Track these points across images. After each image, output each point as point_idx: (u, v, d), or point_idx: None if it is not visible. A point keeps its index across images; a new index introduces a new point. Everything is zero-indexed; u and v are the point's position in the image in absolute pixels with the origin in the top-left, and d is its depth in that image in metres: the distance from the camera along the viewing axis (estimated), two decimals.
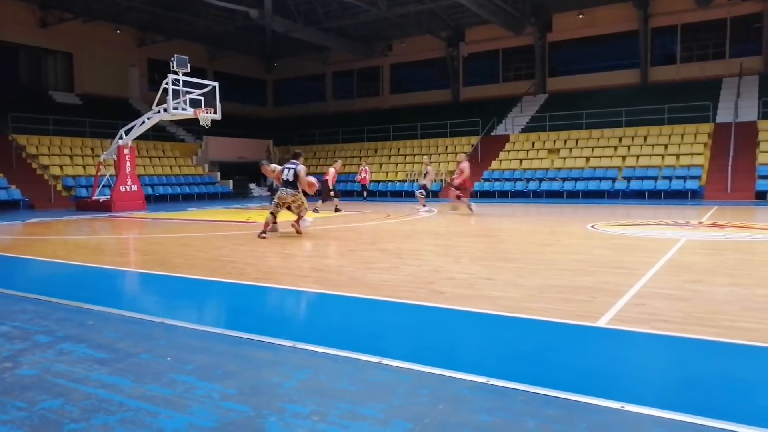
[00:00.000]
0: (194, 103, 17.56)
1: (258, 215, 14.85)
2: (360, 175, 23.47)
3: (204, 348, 3.54)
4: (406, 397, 2.71)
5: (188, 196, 24.90)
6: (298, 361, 3.25)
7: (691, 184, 20.29)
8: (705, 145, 22.10)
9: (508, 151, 25.89)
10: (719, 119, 22.90)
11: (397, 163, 28.14)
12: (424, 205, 16.74)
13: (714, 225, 10.79)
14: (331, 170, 17.03)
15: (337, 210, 16.32)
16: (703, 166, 21.12)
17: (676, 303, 4.47)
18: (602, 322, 3.94)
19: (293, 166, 9.89)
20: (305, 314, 4.81)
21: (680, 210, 15.30)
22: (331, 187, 16.69)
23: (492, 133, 27.72)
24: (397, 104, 34.01)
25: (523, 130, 27.09)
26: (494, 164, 25.24)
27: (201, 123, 17.70)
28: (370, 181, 24.35)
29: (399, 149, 29.28)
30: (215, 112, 17.89)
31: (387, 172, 27.53)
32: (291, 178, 9.81)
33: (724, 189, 19.56)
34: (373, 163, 27.24)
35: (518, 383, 2.82)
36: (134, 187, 18.82)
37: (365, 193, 23.46)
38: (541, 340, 3.72)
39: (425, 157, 18.42)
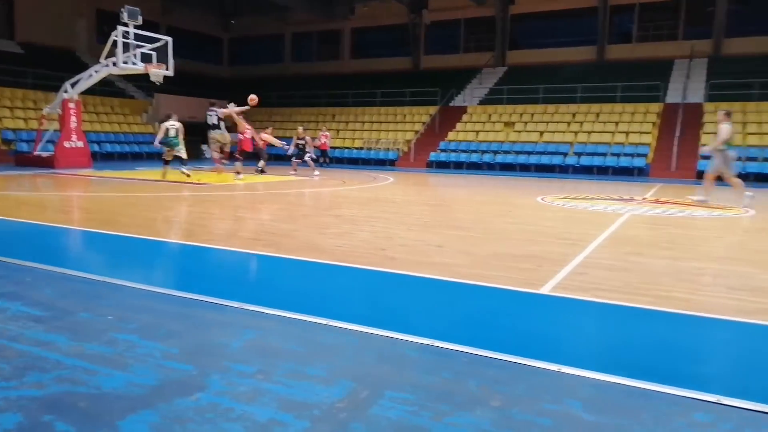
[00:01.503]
0: (145, 58, 16.81)
1: (209, 177, 14.51)
2: (320, 140, 23.14)
3: (148, 308, 3.47)
4: (352, 358, 2.74)
5: (137, 155, 24.09)
6: (246, 322, 3.23)
7: (638, 162, 20.97)
8: (654, 124, 22.80)
9: (465, 122, 26.05)
10: (668, 99, 23.62)
11: (354, 130, 27.92)
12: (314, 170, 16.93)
13: (657, 201, 11.22)
14: (263, 134, 16.82)
15: (260, 172, 16.28)
16: (650, 144, 21.82)
17: (615, 273, 4.65)
18: (545, 290, 4.06)
19: (215, 112, 14.04)
20: (255, 277, 4.77)
21: (626, 186, 15.83)
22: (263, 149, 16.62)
23: (450, 104, 27.78)
24: (358, 70, 33.55)
25: (481, 102, 27.26)
26: (451, 135, 25.38)
27: (152, 79, 16.99)
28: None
29: (357, 115, 29.03)
30: (168, 69, 17.17)
31: (344, 139, 27.29)
32: (216, 122, 13.97)
33: (669, 167, 20.31)
34: (330, 129, 26.92)
35: (462, 345, 2.89)
36: (79, 144, 18.01)
37: (326, 159, 23.20)
38: (486, 305, 3.82)
39: (300, 127, 18.48)
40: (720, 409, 2.28)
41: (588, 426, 2.11)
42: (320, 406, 2.20)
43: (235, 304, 3.52)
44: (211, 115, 14.29)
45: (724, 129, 10.60)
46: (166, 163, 14.19)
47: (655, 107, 23.40)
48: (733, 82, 22.13)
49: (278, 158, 22.99)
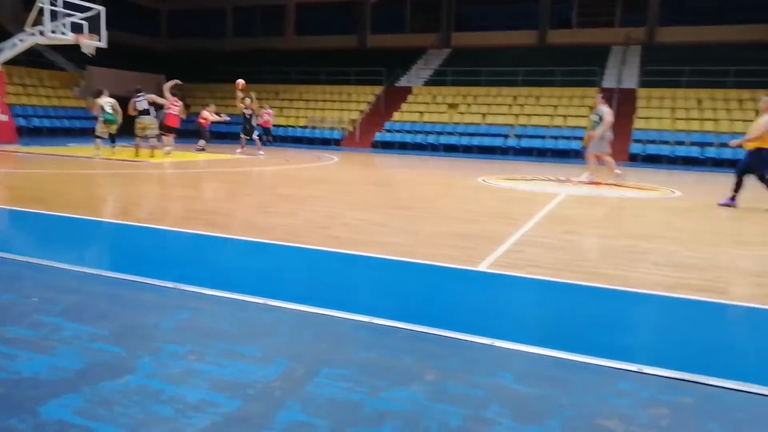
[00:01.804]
0: (76, 28, 15.86)
1: (146, 154, 13.98)
2: (263, 117, 22.63)
3: (76, 289, 3.32)
4: (288, 337, 2.72)
5: (69, 130, 22.85)
6: (179, 303, 3.15)
7: (575, 145, 21.65)
8: (590, 108, 23.54)
9: (411, 103, 26.10)
10: (605, 84, 24.41)
11: (299, 109, 27.46)
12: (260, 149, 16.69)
13: (591, 183, 11.64)
14: (204, 111, 16.28)
15: (200, 150, 16.05)
16: (587, 128, 22.55)
17: (549, 251, 4.81)
18: (482, 267, 4.16)
19: (144, 98, 13.67)
20: (191, 256, 4.64)
21: (564, 168, 16.35)
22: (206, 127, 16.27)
23: (396, 84, 27.74)
24: (302, 47, 32.89)
25: (426, 83, 27.35)
26: (396, 115, 25.39)
27: (83, 51, 16.07)
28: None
29: (301, 94, 28.54)
30: (100, 40, 16.28)
31: (288, 117, 26.82)
32: (146, 107, 13.60)
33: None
34: (273, 107, 26.36)
35: (401, 322, 2.92)
36: (3, 117, 16.90)
37: (269, 138, 22.71)
38: (426, 282, 3.87)
39: (247, 98, 17.95)
40: (641, 377, 2.41)
41: (519, 397, 2.19)
42: (254, 385, 2.17)
43: (170, 285, 3.42)
44: (140, 101, 13.80)
45: (607, 112, 11.08)
46: (103, 139, 13.73)
47: (592, 92, 24.14)
48: (665, 69, 23.11)
49: (223, 136, 22.39)
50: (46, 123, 22.31)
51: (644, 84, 23.61)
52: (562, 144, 21.75)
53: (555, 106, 23.84)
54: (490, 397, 2.17)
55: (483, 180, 11.31)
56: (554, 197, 8.68)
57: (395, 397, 2.13)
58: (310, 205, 7.12)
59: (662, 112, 22.24)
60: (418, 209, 7.13)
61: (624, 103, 22.78)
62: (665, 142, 20.66)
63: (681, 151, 20.16)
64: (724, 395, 2.26)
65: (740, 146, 8.39)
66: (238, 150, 16.62)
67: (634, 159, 20.29)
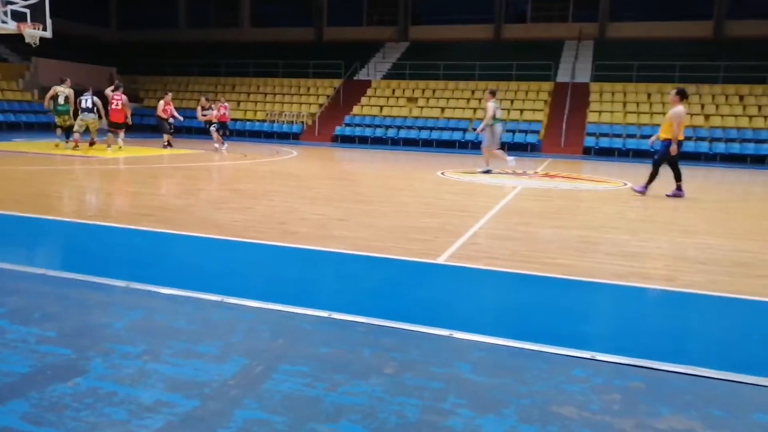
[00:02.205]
0: (18, 17, 15.16)
1: (96, 150, 13.53)
2: (219, 111, 22.16)
3: (21, 290, 3.18)
4: (246, 334, 2.68)
5: (14, 124, 21.92)
6: (132, 302, 3.06)
7: (531, 138, 22.07)
8: (545, 102, 24.04)
9: (370, 97, 26.06)
10: (559, 79, 24.97)
11: (256, 102, 27.06)
12: (223, 143, 16.42)
13: (547, 175, 11.91)
14: (161, 103, 15.83)
15: (167, 146, 15.63)
16: (542, 121, 23.03)
17: (506, 242, 4.90)
18: (441, 259, 4.20)
19: (90, 96, 13.64)
20: (144, 254, 4.51)
21: (519, 161, 16.61)
22: (166, 120, 15.82)
23: (355, 78, 27.64)
24: (258, 39, 32.38)
25: (385, 77, 27.37)
26: (356, 109, 25.32)
27: (27, 40, 15.40)
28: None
29: (259, 87, 28.11)
30: (45, 29, 15.62)
31: (245, 111, 26.40)
32: (90, 105, 13.58)
33: (559, 144, 21.58)
34: (230, 100, 25.87)
35: (359, 316, 2.92)
36: None
37: (226, 132, 22.25)
38: (384, 276, 3.88)
39: (202, 97, 17.96)
40: (595, 364, 2.48)
41: (475, 386, 2.22)
42: (211, 384, 2.13)
43: (121, 284, 3.32)
44: (86, 99, 13.70)
45: (490, 107, 11.76)
46: (63, 131, 13.68)
47: (547, 86, 24.66)
48: (616, 63, 23.77)
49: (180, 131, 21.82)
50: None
51: (596, 78, 24.24)
52: (518, 138, 22.12)
53: (511, 101, 24.21)
54: (448, 388, 2.20)
55: (442, 174, 11.40)
56: (511, 190, 8.83)
57: (353, 392, 2.13)
58: (267, 200, 7.03)
59: (614, 106, 22.89)
60: (377, 203, 7.13)
61: (577, 97, 23.34)
62: (617, 135, 21.28)
63: (632, 143, 20.79)
64: (674, 379, 2.35)
65: (654, 141, 8.80)
66: (217, 146, 16.05)
67: (588, 152, 20.83)
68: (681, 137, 8.36)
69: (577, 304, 3.49)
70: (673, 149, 8.27)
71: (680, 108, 8.32)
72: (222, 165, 11.80)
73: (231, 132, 22.96)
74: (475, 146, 22.16)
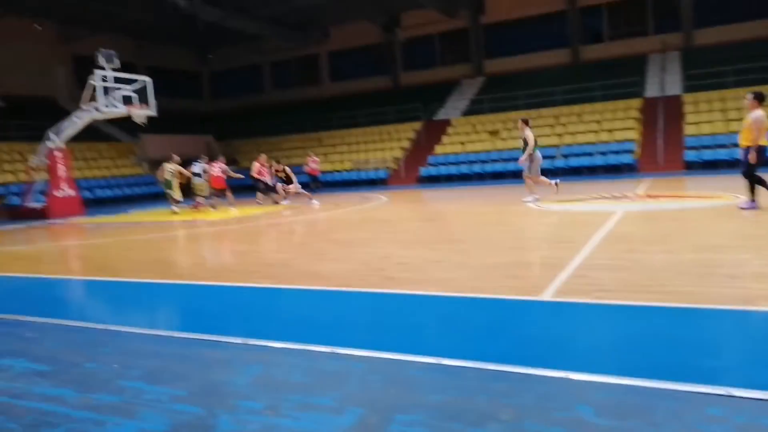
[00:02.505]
0: (126, 100, 16.87)
1: (203, 214, 14.51)
2: (309, 165, 23.18)
3: (152, 352, 3.45)
4: (359, 384, 2.73)
5: (129, 197, 24.04)
6: (250, 358, 3.22)
7: (625, 158, 21.12)
8: (636, 119, 23.03)
9: (451, 135, 26.21)
10: (647, 94, 23.91)
11: (342, 152, 28.02)
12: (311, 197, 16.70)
13: (648, 196, 11.30)
14: (255, 165, 16.45)
15: (275, 203, 16.27)
16: (635, 140, 22.02)
17: (614, 273, 4.67)
18: (546, 296, 4.07)
19: (199, 163, 15.44)
20: (255, 310, 4.74)
21: (616, 184, 15.93)
22: (263, 181, 16.36)
23: (433, 118, 27.99)
24: (338, 92, 33.80)
25: (464, 114, 27.48)
26: (438, 149, 25.52)
27: (135, 120, 17.04)
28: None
29: (343, 138, 29.15)
30: (150, 109, 17.24)
31: (333, 162, 27.37)
32: (199, 171, 15.49)
33: (656, 161, 20.48)
34: (318, 154, 27.01)
35: (468, 361, 2.88)
36: (70, 192, 17.97)
37: (317, 184, 23.18)
38: (488, 317, 3.82)
39: (262, 157, 17.37)
40: (732, 401, 2.28)
41: (601, 431, 2.11)
42: None
43: (238, 340, 3.50)
44: (195, 165, 15.69)
45: (530, 136, 11.77)
46: (177, 203, 15.14)
47: (636, 103, 23.67)
48: (708, 71, 22.45)
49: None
50: (108, 192, 23.54)
51: (689, 89, 22.96)
52: (611, 159, 21.25)
53: (598, 121, 23.43)
54: None
55: (535, 204, 11.14)
56: (611, 215, 8.45)
57: None
58: (363, 247, 7.19)
59: (713, 115, 21.49)
60: (471, 241, 7.08)
61: (670, 111, 22.18)
62: (721, 146, 19.86)
63: (739, 153, 19.33)
64: None
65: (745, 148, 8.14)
66: (258, 201, 16.47)
67: (691, 167, 19.58)
68: (764, 142, 7.82)
69: (703, 335, 3.24)
70: (752, 157, 7.79)
71: (759, 112, 7.83)
72: (316, 217, 12.24)
73: (321, 184, 23.89)
74: (566, 172, 21.56)
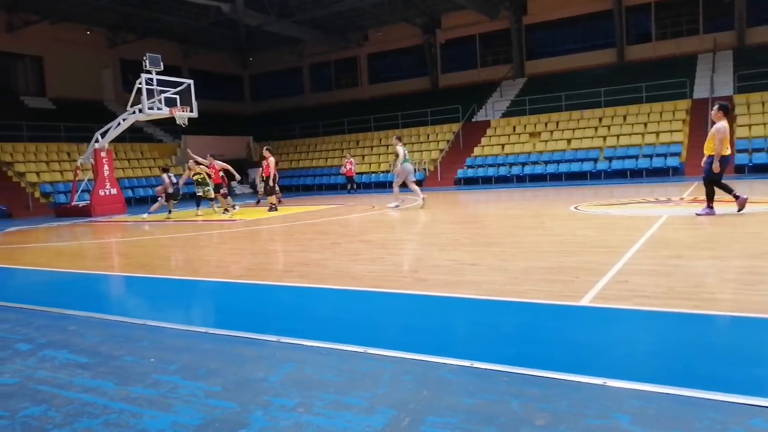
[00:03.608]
0: (170, 102, 17.32)
1: (240, 213, 14.76)
2: (345, 167, 23.37)
3: (188, 347, 3.51)
4: (391, 385, 2.71)
5: (169, 196, 24.60)
6: (283, 355, 3.25)
7: (671, 161, 20.51)
8: (684, 121, 22.34)
9: (490, 137, 25.97)
10: (696, 95, 23.16)
11: (379, 154, 28.10)
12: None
13: (695, 200, 10.92)
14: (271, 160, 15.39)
15: (271, 208, 14.85)
16: (682, 142, 21.36)
17: (657, 278, 4.52)
18: (585, 301, 3.97)
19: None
20: (289, 309, 4.78)
21: (662, 187, 15.48)
22: (267, 181, 15.42)
23: (473, 119, 27.78)
24: (376, 94, 33.92)
25: (504, 115, 27.19)
26: (477, 150, 25.32)
27: (177, 122, 17.48)
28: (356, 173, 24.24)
29: (381, 140, 29.23)
30: (192, 111, 17.66)
31: (370, 164, 27.48)
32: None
33: None
34: (355, 155, 27.16)
35: (502, 365, 2.84)
36: (113, 191, 18.58)
37: (352, 186, 23.34)
38: (524, 321, 3.75)
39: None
40: None
41: None
42: None
43: (272, 338, 3.54)
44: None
45: (399, 151, 13.28)
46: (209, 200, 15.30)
47: (684, 104, 22.97)
48: (762, 71, 21.58)
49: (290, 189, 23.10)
50: (150, 192, 24.16)
51: (741, 90, 22.14)
52: (657, 162, 20.68)
53: (645, 123, 22.84)
54: None
55: (575, 208, 10.92)
56: (655, 220, 8.21)
57: None
58: (398, 248, 7.17)
59: (766, 117, 20.66)
60: (508, 244, 6.98)
61: None
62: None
63: None
64: None
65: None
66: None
67: (741, 171, 18.87)
68: (726, 152, 8.16)
69: (749, 345, 3.10)
70: (716, 167, 8.14)
71: (722, 123, 8.14)
72: (351, 217, 12.29)
73: (358, 185, 24.03)
74: (609, 175, 21.11)
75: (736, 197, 8.34)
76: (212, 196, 15.14)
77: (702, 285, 4.23)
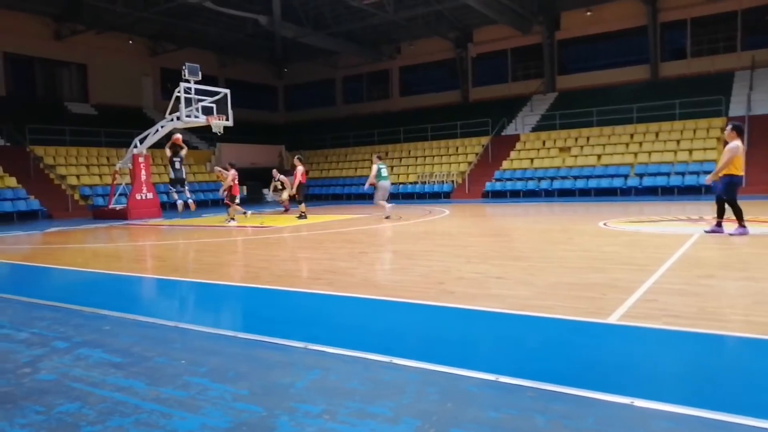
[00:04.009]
0: (206, 111, 17.72)
1: (271, 220, 14.96)
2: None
3: (217, 351, 3.59)
4: (415, 396, 2.74)
5: (203, 202, 25.09)
6: (309, 362, 3.30)
7: (704, 180, 20.05)
8: (718, 139, 21.84)
9: (519, 151, 25.82)
10: (732, 113, 22.64)
11: (408, 165, 28.18)
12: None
13: (728, 220, 10.65)
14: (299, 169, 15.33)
15: (300, 216, 15.10)
16: (716, 161, 20.86)
17: (688, 298, 4.45)
18: (613, 319, 3.93)
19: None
20: (317, 316, 4.84)
21: (694, 206, 15.16)
22: (298, 190, 15.49)
23: (502, 133, 27.67)
24: (407, 106, 34.08)
25: (534, 129, 27.01)
26: (505, 164, 25.18)
27: (213, 130, 17.85)
28: None
29: (410, 151, 29.33)
30: (227, 119, 18.02)
31: (398, 175, 27.56)
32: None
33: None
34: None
35: (527, 380, 2.83)
36: (149, 195, 19.03)
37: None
38: (551, 337, 3.73)
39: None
40: None
41: None
42: None
43: (299, 344, 3.59)
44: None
45: (374, 168, 14.42)
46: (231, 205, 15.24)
47: (718, 122, 22.48)
48: None
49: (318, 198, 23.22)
50: (184, 197, 24.65)
51: None
52: (690, 180, 20.27)
53: (677, 141, 22.42)
54: None
55: (604, 224, 10.78)
56: (687, 239, 8.05)
57: None
58: (424, 260, 7.19)
59: None
60: (535, 259, 6.93)
61: (758, 131, 20.91)
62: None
63: None
64: None
65: (714, 180, 8.70)
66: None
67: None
68: (735, 171, 8.28)
69: None
70: (708, 179, 8.66)
71: (735, 143, 8.30)
72: (379, 227, 12.35)
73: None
74: (640, 192, 20.75)
75: (719, 225, 8.56)
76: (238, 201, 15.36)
77: (734, 306, 4.15)
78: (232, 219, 14.71)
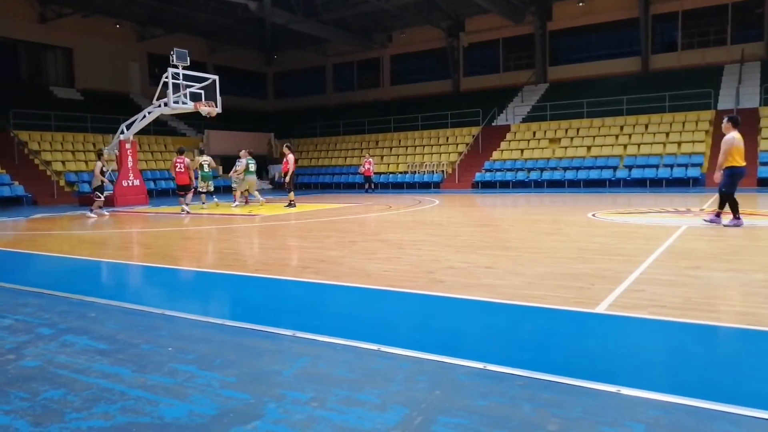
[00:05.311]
0: (195, 97, 17.52)
1: (259, 208, 14.88)
2: (363, 167, 23.46)
3: (205, 338, 3.57)
4: (404, 384, 2.73)
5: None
6: (298, 350, 3.28)
7: (692, 172, 20.25)
8: (706, 132, 22.04)
9: (509, 141, 25.86)
10: (721, 106, 22.82)
11: (398, 155, 28.14)
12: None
13: (726, 213, 10.74)
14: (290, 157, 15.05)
15: (289, 205, 14.96)
16: (704, 153, 21.07)
17: (674, 289, 4.48)
18: (600, 308, 3.96)
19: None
20: (305, 304, 4.82)
21: (682, 198, 15.29)
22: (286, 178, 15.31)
23: (493, 123, 27.69)
24: (398, 95, 33.96)
25: (524, 120, 27.05)
26: (495, 154, 25.23)
27: (203, 114, 17.68)
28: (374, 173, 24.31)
29: (400, 141, 29.28)
30: (216, 106, 17.86)
31: (388, 164, 27.52)
32: (253, 169, 16.13)
33: None
34: (374, 155, 27.20)
35: (516, 368, 2.84)
36: (136, 182, 18.85)
37: (370, 185, 23.43)
38: (539, 326, 3.74)
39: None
40: None
41: None
42: None
43: (288, 332, 3.58)
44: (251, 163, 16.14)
45: (241, 163, 15.57)
46: (204, 194, 15.81)
47: (707, 115, 22.65)
48: None
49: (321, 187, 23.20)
50: (172, 185, 24.40)
51: (767, 102, 21.76)
52: (678, 172, 20.45)
53: (666, 133, 22.58)
54: None
55: (593, 215, 10.84)
56: (675, 230, 8.12)
57: None
58: (414, 249, 7.18)
59: None
60: (525, 249, 6.95)
61: (745, 124, 21.05)
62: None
63: None
64: None
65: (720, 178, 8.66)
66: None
67: (764, 184, 18.56)
68: (735, 163, 8.32)
69: (765, 358, 3.07)
70: (716, 176, 8.52)
71: (732, 134, 8.33)
72: (368, 217, 12.33)
73: (376, 185, 24.05)
74: (629, 184, 20.88)
75: (718, 215, 8.67)
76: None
77: (721, 297, 4.19)
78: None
